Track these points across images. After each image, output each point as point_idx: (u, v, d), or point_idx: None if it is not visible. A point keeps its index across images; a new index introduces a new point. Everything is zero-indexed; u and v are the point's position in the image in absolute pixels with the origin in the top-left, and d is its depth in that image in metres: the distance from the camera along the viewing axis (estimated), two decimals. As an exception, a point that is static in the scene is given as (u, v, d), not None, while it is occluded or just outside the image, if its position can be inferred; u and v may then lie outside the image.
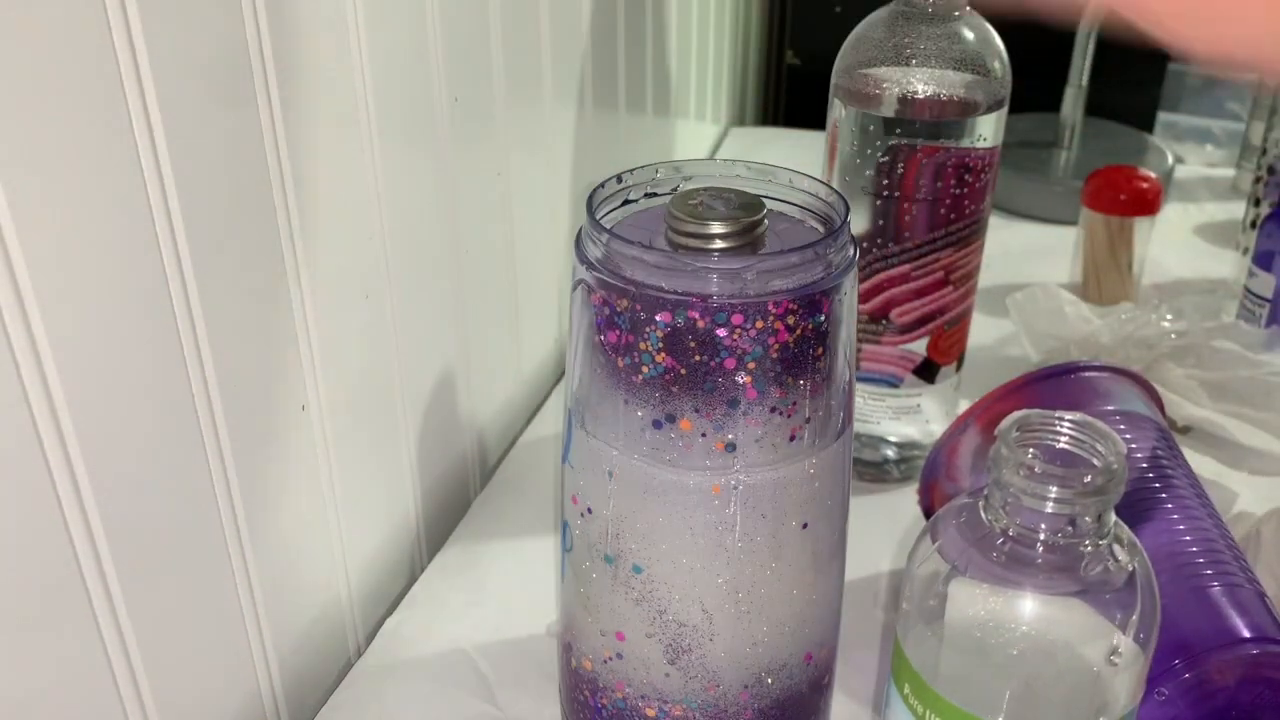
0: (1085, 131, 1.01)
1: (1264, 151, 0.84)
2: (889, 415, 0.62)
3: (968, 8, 0.56)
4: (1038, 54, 0.86)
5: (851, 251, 0.37)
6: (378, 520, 0.55)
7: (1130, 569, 0.34)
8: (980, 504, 0.36)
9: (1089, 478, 0.33)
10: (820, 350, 0.36)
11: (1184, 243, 0.94)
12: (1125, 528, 0.35)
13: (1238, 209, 0.90)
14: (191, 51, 0.38)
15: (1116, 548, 0.34)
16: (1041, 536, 0.34)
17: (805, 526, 0.38)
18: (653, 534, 0.38)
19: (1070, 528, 0.33)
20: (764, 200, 0.38)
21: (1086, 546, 0.34)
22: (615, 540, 0.39)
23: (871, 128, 0.55)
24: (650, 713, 0.41)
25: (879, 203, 0.56)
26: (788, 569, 0.39)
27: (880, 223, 0.57)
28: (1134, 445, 0.50)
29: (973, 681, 0.36)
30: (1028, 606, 0.35)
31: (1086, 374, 0.54)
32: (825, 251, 0.35)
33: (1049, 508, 0.33)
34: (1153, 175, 0.82)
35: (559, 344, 0.75)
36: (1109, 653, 0.34)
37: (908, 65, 0.54)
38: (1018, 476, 0.33)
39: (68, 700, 0.37)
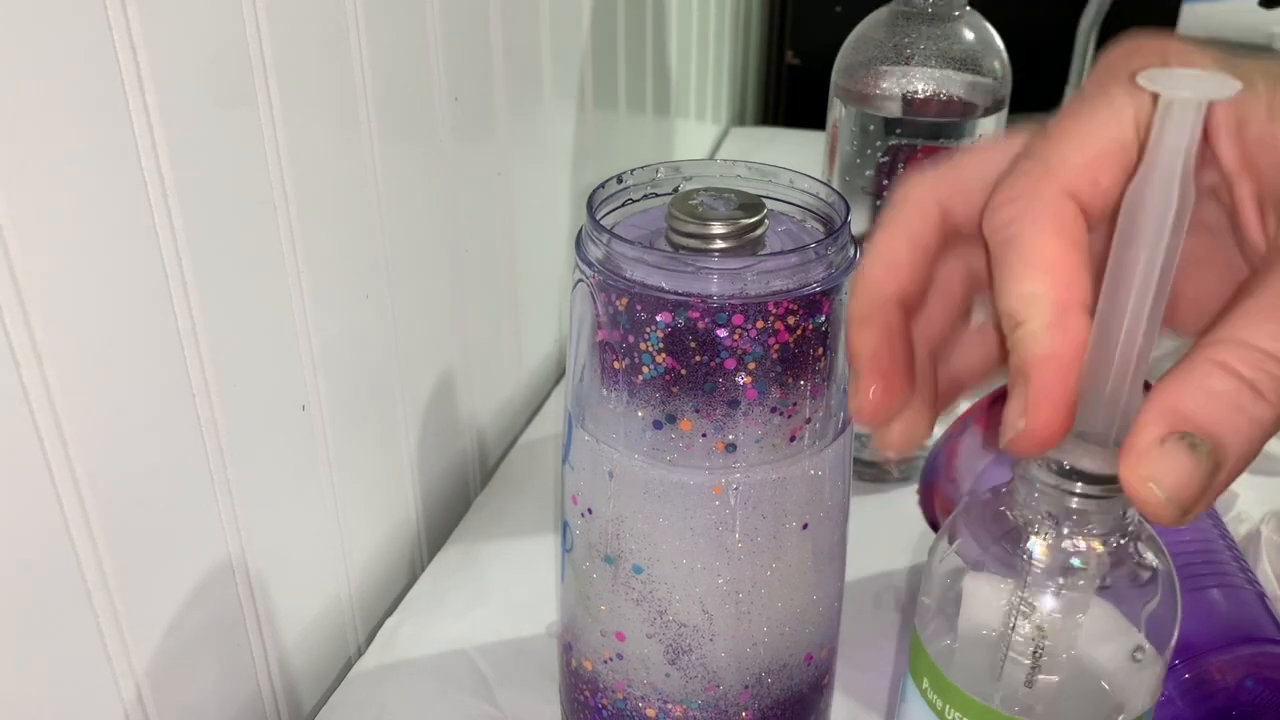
0: (1085, 131, 1.01)
1: (1264, 151, 0.84)
2: (889, 415, 0.62)
3: (968, 7, 0.56)
4: (1038, 54, 0.86)
5: (852, 252, 0.37)
6: (378, 520, 0.55)
7: (1154, 567, 0.34)
8: (1003, 499, 0.36)
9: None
10: (821, 350, 0.36)
11: (1184, 243, 0.94)
12: (1148, 525, 0.35)
13: (1237, 209, 0.90)
14: (191, 51, 0.38)
15: (1139, 545, 0.34)
16: (1065, 533, 0.34)
17: (805, 527, 0.38)
18: (653, 534, 0.38)
19: (1094, 524, 0.33)
20: (764, 200, 0.38)
21: (1110, 544, 0.34)
22: (615, 540, 0.39)
23: (871, 128, 0.55)
24: (650, 713, 0.41)
25: (879, 203, 0.56)
26: (788, 569, 0.39)
27: (880, 223, 0.57)
28: (1134, 445, 0.50)
29: (992, 676, 0.36)
30: (1049, 603, 0.35)
31: (1087, 374, 0.54)
32: (826, 252, 0.35)
33: (1074, 504, 0.33)
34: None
35: (559, 344, 0.75)
36: (1130, 651, 0.34)
37: (908, 65, 0.54)
38: (1044, 472, 0.33)
39: (67, 700, 0.37)
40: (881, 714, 0.49)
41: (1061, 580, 0.35)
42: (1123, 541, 0.34)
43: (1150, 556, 0.35)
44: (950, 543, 0.37)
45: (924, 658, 0.37)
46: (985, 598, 0.35)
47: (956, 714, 0.36)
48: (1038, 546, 0.35)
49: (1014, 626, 0.35)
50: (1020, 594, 0.35)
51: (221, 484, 0.43)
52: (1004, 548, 0.35)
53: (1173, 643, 0.35)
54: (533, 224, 0.68)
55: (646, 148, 0.89)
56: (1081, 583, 0.34)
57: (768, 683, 0.41)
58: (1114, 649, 0.35)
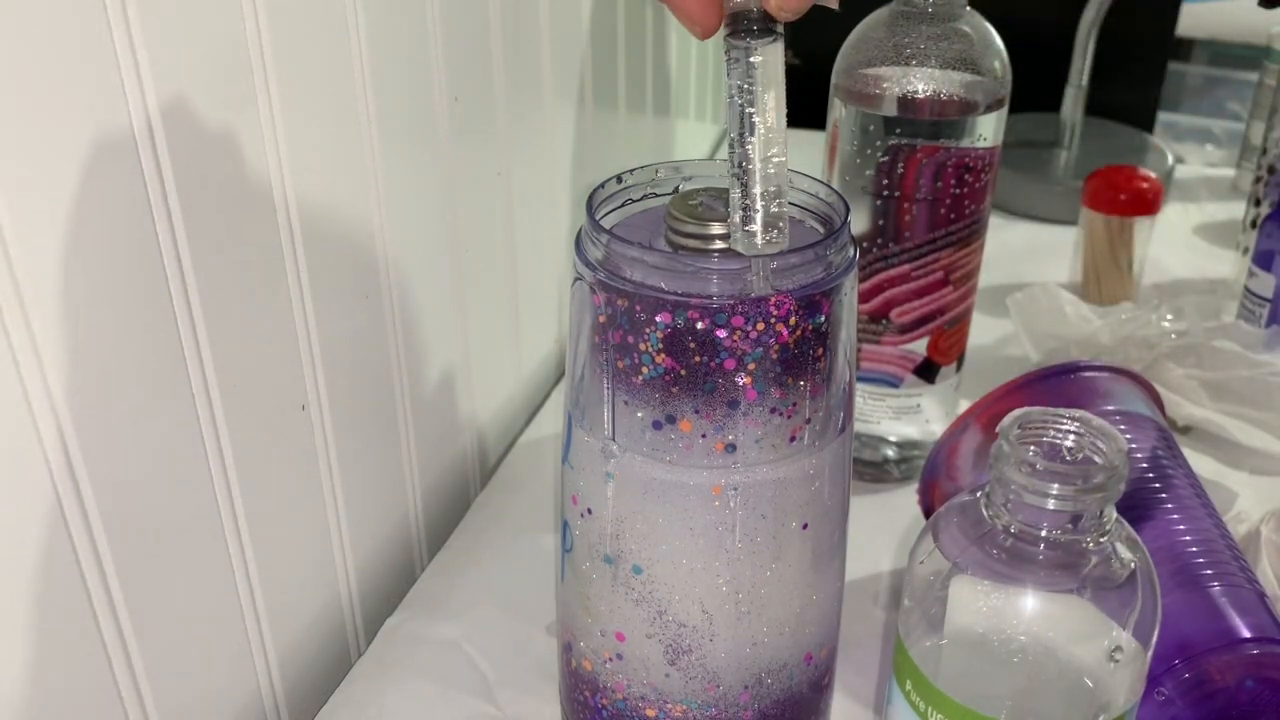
0: (1085, 131, 1.01)
1: (1264, 151, 0.84)
2: (889, 415, 0.62)
3: (968, 7, 0.56)
4: (1038, 54, 0.86)
5: (851, 252, 0.37)
6: (378, 520, 0.55)
7: (1132, 566, 0.34)
8: (982, 501, 0.36)
9: (1091, 475, 0.33)
10: (820, 351, 0.36)
11: (1184, 243, 0.94)
12: (1126, 525, 0.35)
13: (1238, 209, 0.90)
14: (191, 51, 0.38)
15: (1118, 545, 0.34)
16: (1043, 534, 0.34)
17: (805, 527, 0.38)
18: (653, 535, 0.38)
19: (1072, 525, 0.34)
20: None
21: (1088, 544, 0.34)
22: (615, 541, 0.39)
23: (871, 128, 0.55)
24: (650, 713, 0.41)
25: (879, 203, 0.56)
26: (788, 569, 0.39)
27: (880, 223, 0.57)
28: (1134, 445, 0.50)
29: (974, 678, 0.36)
30: (1029, 604, 0.35)
31: (1087, 374, 0.54)
32: (825, 252, 0.35)
33: (1051, 505, 0.33)
34: (1153, 175, 0.82)
35: (559, 344, 0.75)
36: (1110, 650, 0.34)
37: (908, 65, 0.54)
38: (1019, 473, 0.33)
39: (68, 700, 0.37)
40: (881, 714, 0.49)
41: (1040, 581, 0.35)
42: (1101, 542, 0.34)
43: (1128, 556, 0.35)
44: (930, 545, 0.37)
45: (906, 660, 0.37)
46: (969, 599, 0.35)
47: (939, 716, 0.36)
48: (1016, 548, 0.35)
49: (995, 627, 0.35)
50: (1000, 595, 0.35)
51: (221, 483, 0.43)
52: (983, 549, 0.35)
53: (1154, 639, 0.35)
54: (533, 224, 0.68)
55: (646, 148, 0.89)
56: (1060, 583, 0.34)
57: (767, 683, 0.41)
58: (1094, 647, 0.35)
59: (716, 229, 0.36)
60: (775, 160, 0.34)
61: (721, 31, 0.34)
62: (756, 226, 0.34)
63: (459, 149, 0.57)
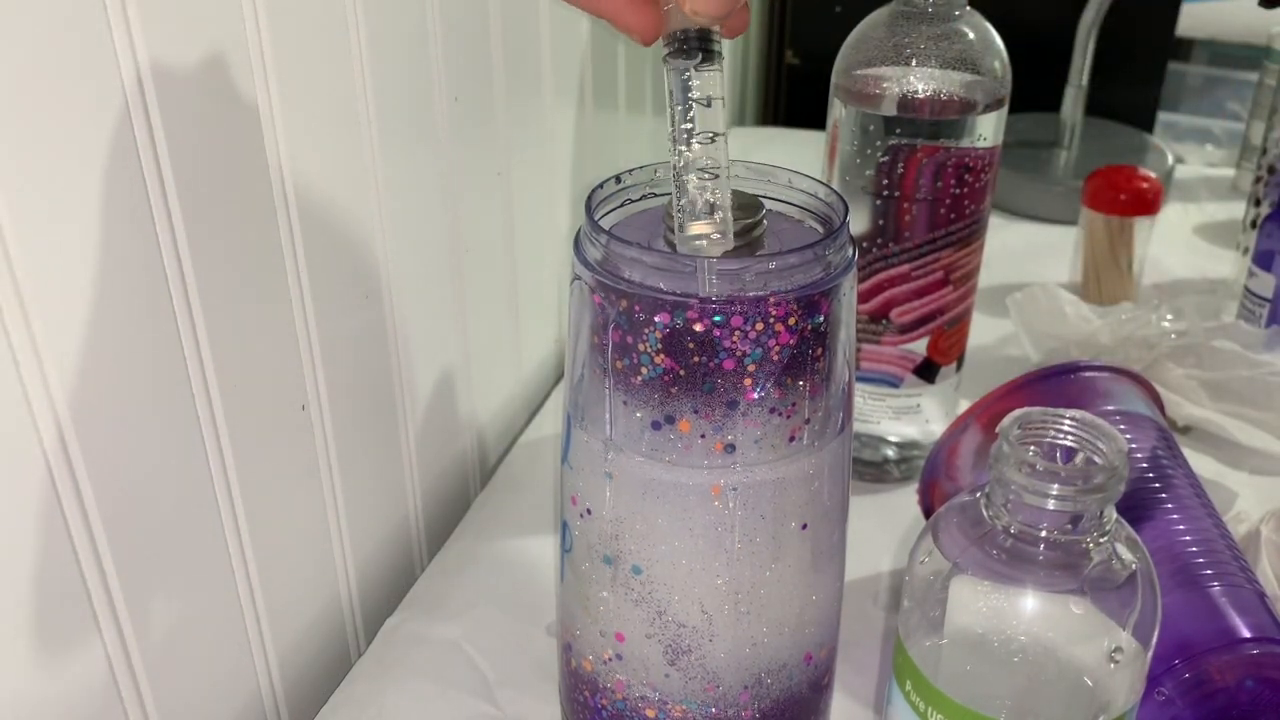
0: (1085, 131, 1.01)
1: (1264, 151, 0.84)
2: (889, 415, 0.62)
3: (968, 7, 0.56)
4: (1038, 54, 0.86)
5: (851, 252, 0.37)
6: (378, 520, 0.55)
7: (1132, 567, 0.34)
8: (981, 501, 0.36)
9: (1091, 475, 0.33)
10: (820, 351, 0.36)
11: (1184, 243, 0.94)
12: (1126, 525, 0.35)
13: (1238, 209, 0.90)
14: (191, 51, 0.38)
15: (1118, 545, 0.34)
16: (1043, 534, 0.34)
17: (805, 527, 0.38)
18: (652, 535, 0.38)
19: (1072, 525, 0.34)
20: (763, 200, 0.38)
21: (1088, 544, 0.34)
22: (615, 541, 0.39)
23: (871, 127, 0.55)
24: (650, 713, 0.41)
25: (879, 203, 0.56)
26: (787, 569, 0.39)
27: (880, 223, 0.57)
28: (1134, 445, 0.50)
29: (974, 679, 0.36)
30: (1029, 604, 0.35)
31: (1087, 374, 0.54)
32: (824, 252, 0.35)
33: (1051, 505, 0.33)
34: (1153, 175, 0.82)
35: (559, 344, 0.75)
36: (1110, 650, 0.34)
37: (908, 65, 0.54)
38: (1019, 474, 0.33)
39: (68, 700, 0.37)
40: (881, 714, 0.49)
41: (1040, 581, 0.35)
42: (1101, 542, 0.34)
43: (1129, 556, 0.35)
44: (930, 545, 0.37)
45: (906, 660, 0.37)
46: (969, 599, 0.35)
47: (939, 716, 0.36)
48: (1016, 548, 0.35)
49: (995, 627, 0.35)
50: (1000, 595, 0.35)
51: (222, 484, 0.43)
52: (983, 550, 0.35)
53: (1154, 639, 0.35)
54: (533, 224, 0.68)
55: (646, 148, 0.89)
56: (1060, 583, 0.34)
57: (767, 683, 0.41)
58: (1094, 648, 0.35)
59: (716, 229, 0.36)
60: (714, 164, 0.34)
61: (662, 48, 0.34)
62: (697, 229, 0.34)
63: (459, 149, 0.57)
